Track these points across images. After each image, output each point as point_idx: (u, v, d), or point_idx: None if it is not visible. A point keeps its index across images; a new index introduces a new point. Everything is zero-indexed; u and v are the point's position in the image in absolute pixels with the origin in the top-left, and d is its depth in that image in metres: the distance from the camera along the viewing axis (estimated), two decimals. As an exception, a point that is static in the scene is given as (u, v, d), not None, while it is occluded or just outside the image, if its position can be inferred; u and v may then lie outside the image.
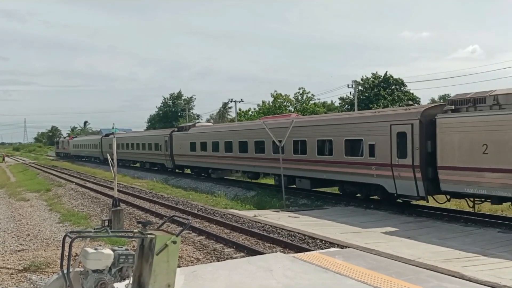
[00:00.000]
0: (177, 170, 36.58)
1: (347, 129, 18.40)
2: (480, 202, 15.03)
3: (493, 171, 13.12)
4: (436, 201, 16.20)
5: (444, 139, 14.48)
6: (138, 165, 44.56)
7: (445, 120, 14.47)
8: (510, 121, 12.73)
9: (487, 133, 13.26)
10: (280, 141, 19.74)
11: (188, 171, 35.79)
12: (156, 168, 40.08)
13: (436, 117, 14.76)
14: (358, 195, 19.10)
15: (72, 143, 76.06)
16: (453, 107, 14.64)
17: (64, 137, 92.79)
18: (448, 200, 16.38)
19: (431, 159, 14.98)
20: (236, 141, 26.18)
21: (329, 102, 68.65)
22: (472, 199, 14.93)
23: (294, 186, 21.90)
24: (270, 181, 24.36)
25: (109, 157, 16.07)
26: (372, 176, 17.14)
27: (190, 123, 38.00)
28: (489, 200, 14.27)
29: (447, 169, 14.42)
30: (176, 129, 36.84)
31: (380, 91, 53.87)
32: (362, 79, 55.98)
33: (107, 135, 56.58)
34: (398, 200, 17.48)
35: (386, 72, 55.96)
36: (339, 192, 20.77)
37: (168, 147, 35.67)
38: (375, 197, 18.34)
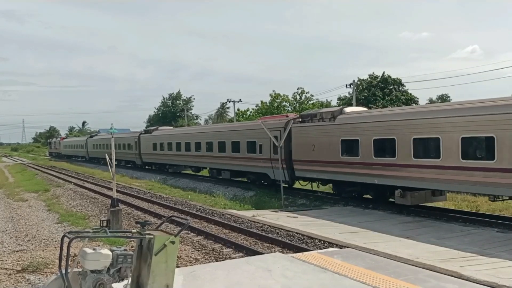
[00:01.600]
0: (146, 167, 42.12)
1: (248, 134, 24.60)
2: (324, 184, 21.22)
3: (317, 162, 19.50)
4: (300, 184, 22.59)
5: (295, 141, 20.88)
6: (115, 162, 46.81)
7: (295, 128, 20.88)
8: (324, 129, 19.22)
9: (314, 137, 19.74)
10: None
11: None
12: (129, 165, 45.20)
13: (291, 126, 20.75)
14: (264, 182, 24.25)
15: (62, 144, 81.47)
16: (300, 119, 21.20)
17: (56, 138, 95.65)
18: (310, 184, 21.87)
19: (291, 155, 21.04)
20: (183, 142, 32.75)
21: (328, 102, 68.41)
22: (314, 182, 21.35)
23: (221, 176, 28.46)
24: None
25: (107, 157, 16.08)
26: (262, 167, 23.28)
27: (153, 127, 43.77)
28: (321, 182, 20.91)
29: (297, 162, 20.85)
30: (143, 132, 42.79)
31: (376, 91, 53.84)
32: (359, 80, 55.95)
33: (91, 136, 63.12)
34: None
35: (384, 72, 56.01)
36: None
37: (137, 147, 41.51)
38: (367, 196, 18.78)
